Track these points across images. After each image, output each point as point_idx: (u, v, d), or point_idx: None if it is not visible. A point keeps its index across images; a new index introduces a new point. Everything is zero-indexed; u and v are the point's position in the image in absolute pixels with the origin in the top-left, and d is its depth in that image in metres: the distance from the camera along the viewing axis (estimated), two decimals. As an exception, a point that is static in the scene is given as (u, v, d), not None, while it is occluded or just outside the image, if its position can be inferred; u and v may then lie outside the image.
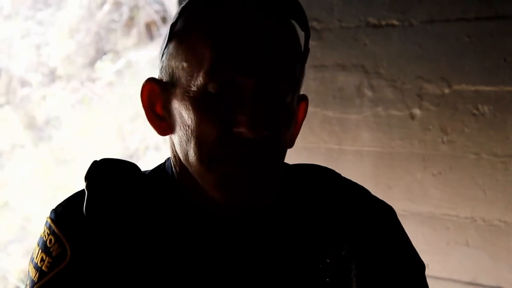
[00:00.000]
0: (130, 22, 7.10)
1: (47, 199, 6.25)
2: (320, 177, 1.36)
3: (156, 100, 1.23)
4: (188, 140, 1.17)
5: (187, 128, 1.17)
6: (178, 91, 1.18)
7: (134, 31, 7.08)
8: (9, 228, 6.31)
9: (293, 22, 1.22)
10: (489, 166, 2.48)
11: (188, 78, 1.16)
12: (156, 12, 6.95)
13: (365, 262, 1.25)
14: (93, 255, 1.20)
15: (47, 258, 1.21)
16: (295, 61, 1.20)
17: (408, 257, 1.34)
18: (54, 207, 1.27)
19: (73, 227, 1.22)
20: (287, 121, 1.20)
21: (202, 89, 1.15)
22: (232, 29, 1.15)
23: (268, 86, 1.15)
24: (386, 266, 1.28)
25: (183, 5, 1.21)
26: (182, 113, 1.17)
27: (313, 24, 2.80)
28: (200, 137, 1.16)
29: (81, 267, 1.20)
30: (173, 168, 1.27)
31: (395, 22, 2.63)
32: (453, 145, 2.54)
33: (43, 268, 1.21)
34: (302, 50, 1.22)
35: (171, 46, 1.20)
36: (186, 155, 1.19)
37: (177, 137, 1.21)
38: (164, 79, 1.22)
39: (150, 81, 1.23)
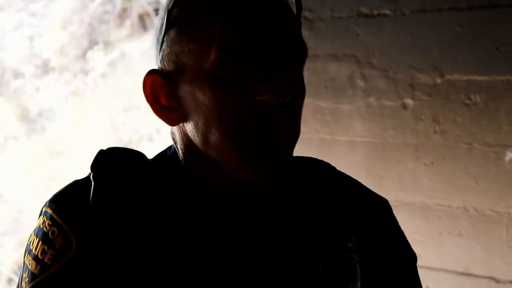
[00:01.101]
0: (123, 13, 7.08)
1: (40, 191, 6.24)
2: (317, 169, 1.35)
3: (160, 91, 1.20)
4: (207, 121, 1.15)
5: (205, 108, 1.14)
6: (187, 76, 1.16)
7: (127, 23, 7.06)
8: (2, 220, 6.30)
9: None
10: (482, 156, 2.48)
11: (198, 58, 1.14)
12: (149, 3, 6.93)
13: (364, 253, 1.26)
14: (99, 247, 1.18)
15: (50, 250, 1.18)
16: (300, 30, 1.19)
17: (402, 249, 1.35)
18: (52, 196, 1.24)
19: (77, 218, 1.19)
20: (303, 90, 1.19)
21: (216, 65, 1.12)
22: (236, 1, 1.14)
23: (284, 53, 1.14)
24: (381, 257, 1.30)
25: None
26: (197, 95, 1.15)
27: (305, 14, 2.78)
28: (221, 114, 1.13)
29: (87, 260, 1.17)
30: (182, 156, 1.24)
31: (387, 11, 2.62)
32: (446, 135, 2.54)
33: (45, 260, 1.18)
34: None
35: (171, 32, 1.18)
36: (206, 138, 1.16)
37: (191, 123, 1.18)
38: (167, 68, 1.19)
39: (152, 73, 1.20)
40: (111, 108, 6.70)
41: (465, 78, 2.49)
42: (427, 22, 2.54)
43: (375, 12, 2.65)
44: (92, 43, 7.17)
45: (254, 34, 1.12)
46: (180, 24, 1.17)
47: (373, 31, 2.65)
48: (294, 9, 1.22)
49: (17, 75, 7.17)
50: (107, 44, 7.12)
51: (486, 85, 2.45)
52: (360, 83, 2.69)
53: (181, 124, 1.21)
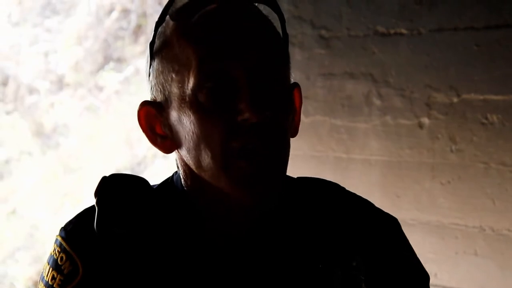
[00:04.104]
0: (138, 29, 7.11)
1: (54, 206, 6.26)
2: (325, 190, 1.35)
3: (155, 121, 1.23)
4: (197, 145, 1.17)
5: (192, 134, 1.17)
6: (174, 104, 1.19)
7: (142, 39, 7.09)
8: (17, 236, 6.32)
9: (266, 7, 1.23)
10: (498, 175, 2.48)
11: (180, 85, 1.17)
12: (164, 20, 6.94)
13: (372, 272, 1.25)
14: (104, 272, 1.21)
15: (59, 276, 1.22)
16: (276, 43, 1.21)
17: (413, 268, 1.34)
18: (63, 225, 1.28)
19: (84, 245, 1.23)
20: (285, 102, 1.20)
21: (196, 90, 1.15)
22: (209, 26, 1.17)
23: (258, 70, 1.16)
24: (392, 276, 1.29)
25: (155, 21, 1.22)
26: (184, 121, 1.18)
27: (321, 32, 2.79)
28: (207, 137, 1.16)
29: (93, 284, 1.20)
30: (184, 182, 1.26)
31: (403, 30, 2.63)
32: (462, 154, 2.54)
33: (54, 286, 1.22)
34: (281, 35, 1.23)
35: (154, 63, 1.21)
36: (198, 161, 1.18)
37: (184, 148, 1.20)
38: (157, 99, 1.22)
39: (145, 104, 1.24)
40: (126, 124, 6.71)
41: (481, 97, 2.49)
42: (443, 41, 2.55)
43: (392, 31, 2.65)
44: (107, 59, 7.19)
45: (230, 57, 1.15)
46: (161, 54, 1.21)
47: (390, 50, 2.66)
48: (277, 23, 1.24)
49: (32, 90, 7.20)
50: (122, 61, 7.15)
51: (503, 105, 2.45)
52: (377, 101, 2.69)
53: (177, 150, 1.24)
